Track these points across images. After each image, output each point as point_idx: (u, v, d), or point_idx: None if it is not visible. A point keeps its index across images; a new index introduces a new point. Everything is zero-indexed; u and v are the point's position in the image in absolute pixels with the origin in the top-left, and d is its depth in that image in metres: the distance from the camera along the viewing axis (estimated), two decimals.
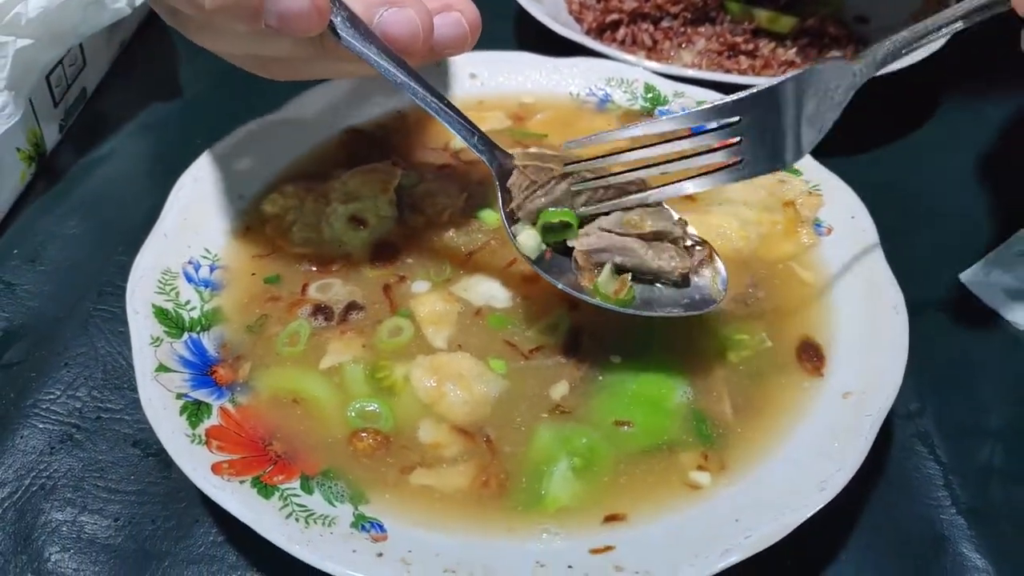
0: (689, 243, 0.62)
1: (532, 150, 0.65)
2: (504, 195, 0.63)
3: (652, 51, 1.03)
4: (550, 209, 0.61)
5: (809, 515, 0.50)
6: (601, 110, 0.87)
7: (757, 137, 0.56)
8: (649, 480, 0.55)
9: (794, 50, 1.00)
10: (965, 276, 0.74)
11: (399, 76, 0.58)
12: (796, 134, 0.56)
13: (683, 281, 0.60)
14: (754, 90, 0.55)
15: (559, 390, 0.60)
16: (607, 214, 0.61)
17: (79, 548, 0.58)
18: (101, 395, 0.67)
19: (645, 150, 0.58)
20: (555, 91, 0.88)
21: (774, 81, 0.55)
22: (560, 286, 0.60)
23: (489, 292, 0.67)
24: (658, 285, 0.60)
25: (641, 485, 0.55)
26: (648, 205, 0.61)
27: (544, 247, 0.62)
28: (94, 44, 0.97)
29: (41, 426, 0.65)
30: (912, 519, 0.59)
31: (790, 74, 0.55)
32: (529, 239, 0.61)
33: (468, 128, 0.63)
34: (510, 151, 0.65)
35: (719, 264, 0.61)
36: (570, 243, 0.61)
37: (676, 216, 0.62)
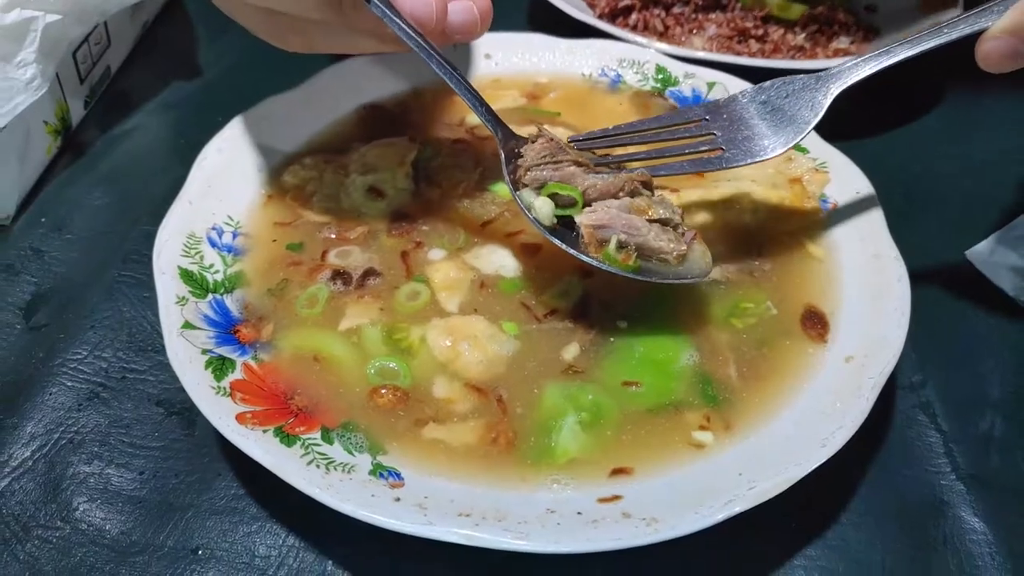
0: (682, 231, 0.64)
1: (555, 136, 0.67)
2: (509, 163, 0.65)
3: (663, 36, 1.05)
4: (559, 182, 0.63)
5: (810, 469, 0.52)
6: (613, 90, 0.88)
7: (729, 133, 0.65)
8: (655, 437, 0.57)
9: (803, 36, 1.02)
10: (971, 253, 0.75)
11: (419, 42, 0.61)
12: (770, 131, 0.65)
13: (679, 262, 0.62)
14: (720, 98, 0.67)
15: (571, 351, 0.62)
16: (616, 197, 0.63)
17: (106, 499, 0.60)
18: (126, 356, 0.69)
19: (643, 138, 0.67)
20: (568, 71, 0.90)
21: (740, 88, 0.67)
22: (573, 252, 0.62)
23: (500, 261, 0.69)
24: (655, 262, 0.62)
25: (647, 442, 0.57)
26: (650, 191, 0.64)
27: (555, 218, 0.64)
28: (118, 24, 0.99)
29: (69, 384, 0.67)
30: (913, 484, 0.61)
31: (756, 85, 0.66)
32: (544, 205, 0.63)
33: (478, 100, 0.66)
34: (524, 128, 0.68)
35: (704, 247, 0.64)
36: (577, 218, 0.63)
37: (677, 207, 0.65)
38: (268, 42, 0.68)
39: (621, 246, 0.61)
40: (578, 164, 0.64)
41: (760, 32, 1.02)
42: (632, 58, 0.89)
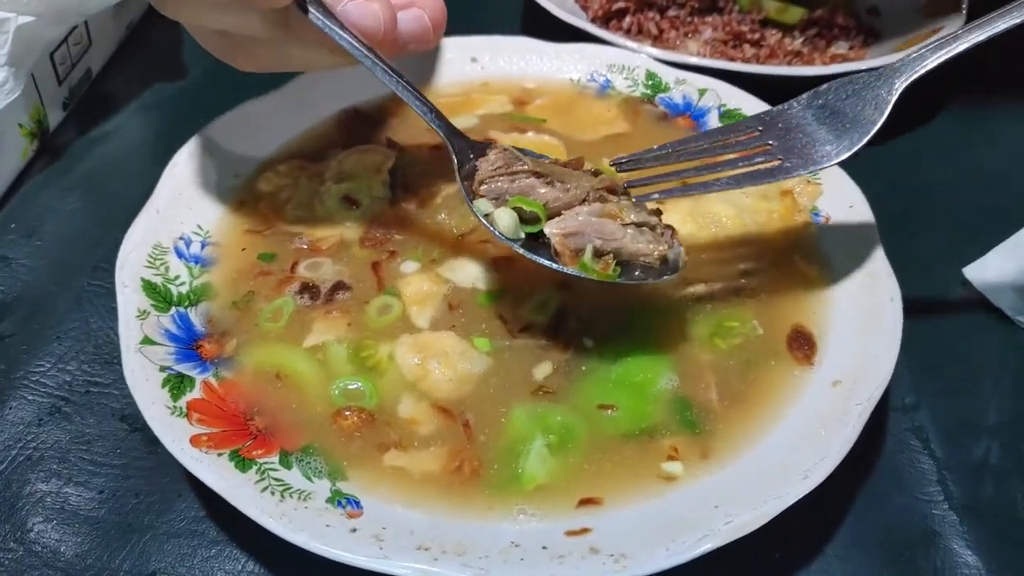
0: (660, 231, 0.61)
1: (509, 146, 0.64)
2: (464, 176, 0.62)
3: (658, 40, 1.02)
4: (519, 196, 0.60)
5: (789, 503, 0.50)
6: (601, 96, 0.86)
7: (786, 143, 0.61)
8: (626, 465, 0.55)
9: (800, 40, 0.99)
10: (968, 271, 0.72)
11: (363, 52, 0.59)
12: (832, 136, 0.60)
13: (661, 263, 0.59)
14: (772, 108, 0.63)
15: (542, 370, 0.60)
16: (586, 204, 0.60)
17: (62, 519, 0.58)
18: (91, 369, 0.67)
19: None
20: (556, 76, 0.88)
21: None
22: (545, 263, 0.58)
23: (476, 273, 0.67)
24: (639, 265, 0.59)
25: (618, 470, 0.55)
26: (618, 196, 0.61)
27: (521, 233, 0.60)
28: (100, 24, 0.97)
29: (30, 398, 0.65)
30: (903, 513, 0.58)
31: (811, 91, 0.62)
32: (505, 215, 0.59)
33: (429, 108, 0.63)
34: (508, 136, 0.65)
35: (678, 243, 0.61)
36: (546, 229, 0.59)
37: (652, 208, 0.62)
38: (224, 62, 0.66)
39: (598, 254, 0.58)
40: (537, 175, 0.60)
41: (756, 36, 0.99)
42: (622, 63, 0.87)
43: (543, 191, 0.60)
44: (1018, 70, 0.97)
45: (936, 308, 0.72)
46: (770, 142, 0.61)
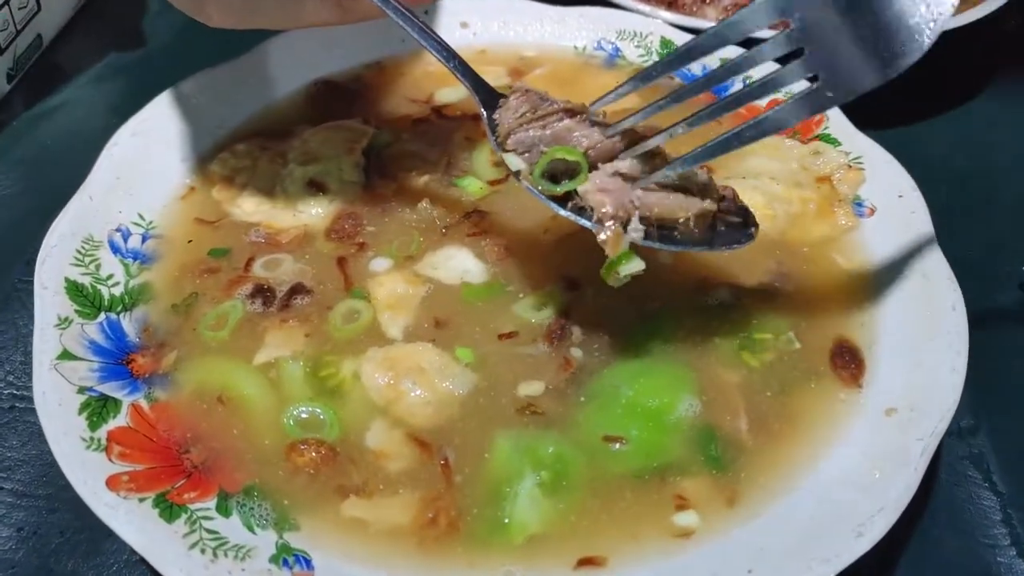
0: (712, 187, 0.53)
1: (529, 87, 0.56)
2: (494, 130, 0.55)
3: (672, 5, 0.92)
4: (557, 146, 0.52)
5: (840, 568, 0.41)
6: (610, 66, 0.78)
7: (823, 48, 0.43)
8: (636, 513, 0.47)
9: None
10: None
11: None
12: (877, 41, 0.42)
13: (709, 229, 0.51)
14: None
15: (532, 387, 0.52)
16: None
17: None
18: (17, 381, 0.60)
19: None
20: (559, 44, 0.79)
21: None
22: (589, 225, 0.50)
23: (463, 266, 0.59)
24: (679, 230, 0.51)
25: (625, 519, 0.47)
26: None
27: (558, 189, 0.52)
28: None
29: None
30: (962, 558, 0.52)
31: None
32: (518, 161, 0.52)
33: (448, 53, 0.57)
34: None
35: (743, 204, 0.53)
36: (583, 191, 0.50)
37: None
38: (189, 15, 0.58)
39: (644, 236, 0.50)
40: (569, 113, 0.52)
41: None
42: (633, 29, 0.78)
43: (581, 134, 0.51)
44: None
45: (996, 316, 0.65)
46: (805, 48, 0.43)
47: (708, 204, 0.51)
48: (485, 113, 0.55)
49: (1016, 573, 0.51)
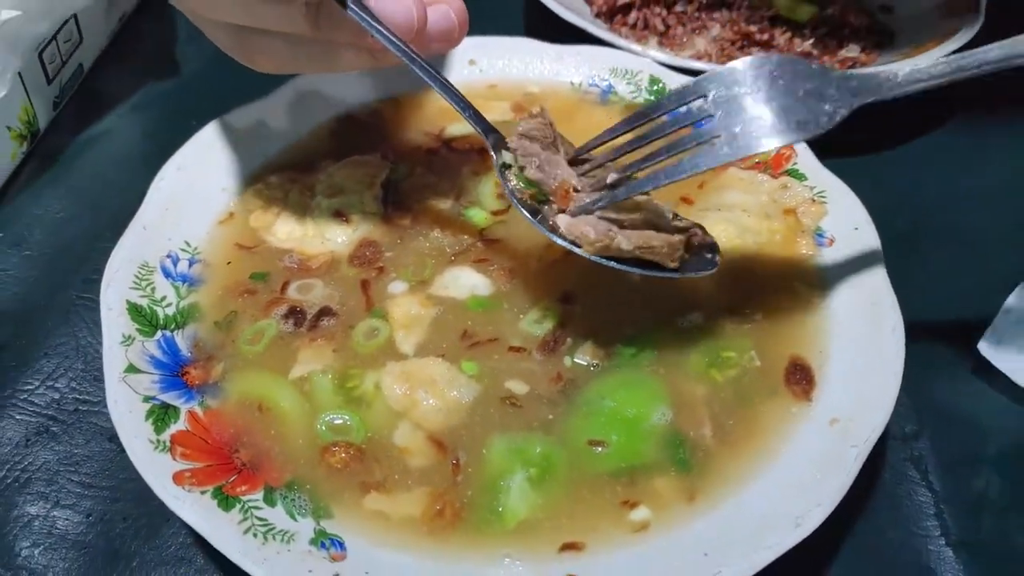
0: (682, 225, 0.60)
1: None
2: (502, 172, 0.62)
3: (664, 36, 0.99)
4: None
5: (780, 553, 0.48)
6: (603, 102, 0.83)
7: (727, 117, 0.55)
8: (606, 508, 0.53)
9: (811, 41, 0.96)
10: (983, 348, 0.66)
11: (400, 47, 0.58)
12: (774, 118, 0.54)
13: (680, 266, 0.59)
14: (716, 70, 0.57)
15: (517, 386, 0.59)
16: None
17: (49, 544, 0.58)
18: (80, 387, 0.66)
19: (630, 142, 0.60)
20: (556, 80, 0.85)
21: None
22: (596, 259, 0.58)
23: (471, 282, 0.66)
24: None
25: (600, 511, 0.53)
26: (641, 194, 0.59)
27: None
28: (91, 19, 0.95)
29: (18, 417, 0.64)
30: (898, 549, 0.57)
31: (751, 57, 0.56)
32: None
33: (463, 103, 0.63)
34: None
35: (710, 239, 0.61)
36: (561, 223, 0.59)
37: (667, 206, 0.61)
38: (237, 60, 0.64)
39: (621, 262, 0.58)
40: (555, 150, 0.62)
41: (765, 37, 0.96)
42: (625, 67, 0.84)
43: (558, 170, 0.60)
44: None
45: (942, 337, 0.69)
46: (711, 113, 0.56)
47: (677, 237, 0.58)
48: (495, 158, 0.62)
49: (945, 560, 0.56)
